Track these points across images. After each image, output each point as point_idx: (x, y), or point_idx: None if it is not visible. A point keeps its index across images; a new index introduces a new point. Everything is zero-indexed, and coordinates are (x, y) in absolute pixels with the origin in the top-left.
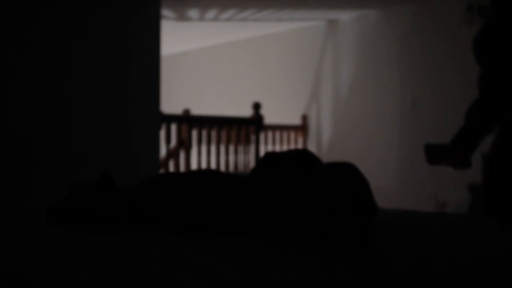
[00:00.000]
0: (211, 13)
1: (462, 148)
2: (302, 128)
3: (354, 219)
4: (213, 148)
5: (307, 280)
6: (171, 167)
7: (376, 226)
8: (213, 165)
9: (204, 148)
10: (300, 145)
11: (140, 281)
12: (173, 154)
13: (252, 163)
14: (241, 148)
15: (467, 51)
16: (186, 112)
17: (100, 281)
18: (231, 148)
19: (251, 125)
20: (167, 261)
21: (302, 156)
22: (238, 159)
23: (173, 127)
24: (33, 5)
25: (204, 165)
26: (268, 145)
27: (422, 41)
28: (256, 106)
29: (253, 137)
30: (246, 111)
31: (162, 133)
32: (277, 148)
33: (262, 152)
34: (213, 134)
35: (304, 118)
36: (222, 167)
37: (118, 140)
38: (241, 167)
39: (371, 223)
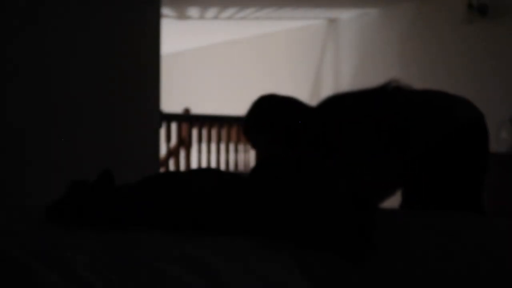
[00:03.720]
0: (211, 12)
1: None
2: None
3: (354, 216)
4: (213, 147)
5: (308, 280)
6: (171, 166)
7: (376, 224)
8: (213, 164)
9: (204, 147)
10: None
11: (140, 277)
12: (173, 152)
13: (252, 161)
14: (241, 147)
15: (467, 49)
16: (186, 111)
17: (101, 277)
18: (231, 147)
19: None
20: (168, 258)
21: (302, 155)
22: (238, 157)
23: (173, 126)
24: (33, 4)
25: (204, 164)
26: None
27: (422, 40)
28: None
29: None
30: (246, 110)
31: (162, 132)
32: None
33: None
34: (214, 132)
35: None
36: (222, 166)
37: (118, 139)
38: (241, 166)
39: (371, 219)
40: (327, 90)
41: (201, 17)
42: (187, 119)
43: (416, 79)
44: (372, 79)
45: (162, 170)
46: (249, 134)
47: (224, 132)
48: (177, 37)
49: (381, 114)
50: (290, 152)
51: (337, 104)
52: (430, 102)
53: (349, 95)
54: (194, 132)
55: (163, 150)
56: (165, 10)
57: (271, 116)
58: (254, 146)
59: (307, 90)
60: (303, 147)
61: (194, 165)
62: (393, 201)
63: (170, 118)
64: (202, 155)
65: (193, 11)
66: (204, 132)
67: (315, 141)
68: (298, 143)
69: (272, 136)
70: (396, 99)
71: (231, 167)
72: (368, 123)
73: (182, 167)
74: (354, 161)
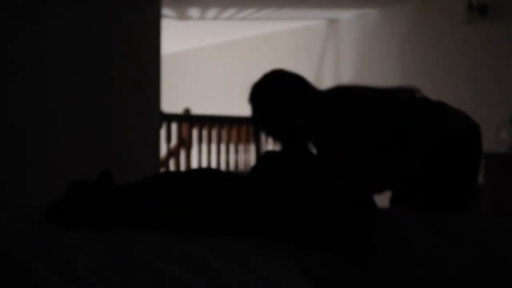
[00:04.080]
0: (211, 12)
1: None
2: None
3: (354, 216)
4: (213, 147)
5: (308, 280)
6: (172, 166)
7: (376, 223)
8: (213, 164)
9: (204, 147)
10: None
11: (140, 277)
12: (173, 153)
13: (252, 162)
14: (241, 147)
15: (467, 49)
16: (187, 111)
17: (101, 277)
18: (232, 147)
19: (251, 124)
20: (168, 258)
21: (302, 155)
22: (239, 158)
23: (174, 126)
24: (33, 4)
25: (204, 164)
26: (269, 144)
27: (422, 40)
28: None
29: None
30: (246, 110)
31: (163, 132)
32: (278, 147)
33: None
34: (214, 133)
35: None
36: (223, 166)
37: (118, 139)
38: (241, 166)
39: (370, 219)
40: None
41: (201, 17)
42: (187, 120)
43: (416, 79)
44: (372, 79)
45: (162, 170)
46: (252, 102)
47: (224, 133)
48: (177, 37)
49: (382, 114)
50: (285, 132)
51: (343, 98)
52: (427, 112)
53: (358, 91)
54: (195, 133)
55: (163, 151)
56: (165, 11)
57: (277, 91)
58: (253, 117)
59: None
60: (298, 132)
61: (194, 165)
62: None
63: (170, 118)
64: (203, 155)
65: (193, 12)
66: (205, 132)
67: (314, 131)
68: (295, 127)
69: (272, 112)
70: (398, 102)
71: (231, 167)
72: (369, 123)
73: (183, 167)
74: (353, 160)
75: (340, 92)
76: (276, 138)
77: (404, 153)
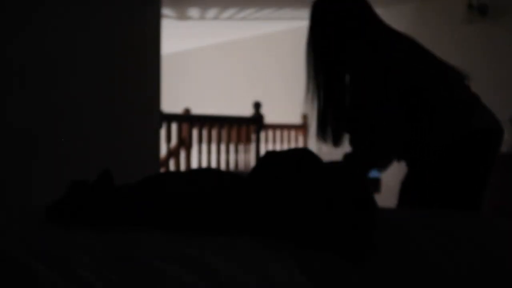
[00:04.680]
0: (211, 12)
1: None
2: (303, 127)
3: (353, 216)
4: (213, 147)
5: (308, 280)
6: (172, 166)
7: (376, 223)
8: (213, 164)
9: (204, 147)
10: (300, 144)
11: (140, 277)
12: (173, 153)
13: (252, 162)
14: (241, 147)
15: (467, 49)
16: (186, 111)
17: (101, 277)
18: (232, 147)
19: (251, 124)
20: (168, 258)
21: (303, 155)
22: (239, 158)
23: (174, 126)
24: (33, 4)
25: (204, 164)
26: (269, 144)
27: (422, 40)
28: (257, 105)
29: (253, 136)
30: (246, 110)
31: (163, 132)
32: (278, 147)
33: (262, 151)
34: (214, 133)
35: (305, 117)
36: (223, 166)
37: (118, 139)
38: (241, 166)
39: (370, 219)
40: None
41: (201, 17)
42: (187, 120)
43: None
44: None
45: (162, 170)
46: (311, 18)
47: (224, 133)
48: (177, 37)
49: (417, 77)
50: (331, 53)
51: (393, 41)
52: (460, 102)
53: (413, 45)
54: (195, 133)
55: (163, 151)
56: (165, 11)
57: (334, 8)
58: (308, 37)
59: None
60: (342, 58)
61: (194, 165)
62: (393, 201)
63: (170, 118)
64: (203, 155)
65: (193, 12)
66: (205, 132)
67: (354, 61)
68: (341, 50)
69: (327, 28)
70: (441, 75)
71: (231, 167)
72: (401, 79)
73: (183, 167)
74: (373, 108)
75: (395, 36)
76: (319, 63)
77: (421, 124)
